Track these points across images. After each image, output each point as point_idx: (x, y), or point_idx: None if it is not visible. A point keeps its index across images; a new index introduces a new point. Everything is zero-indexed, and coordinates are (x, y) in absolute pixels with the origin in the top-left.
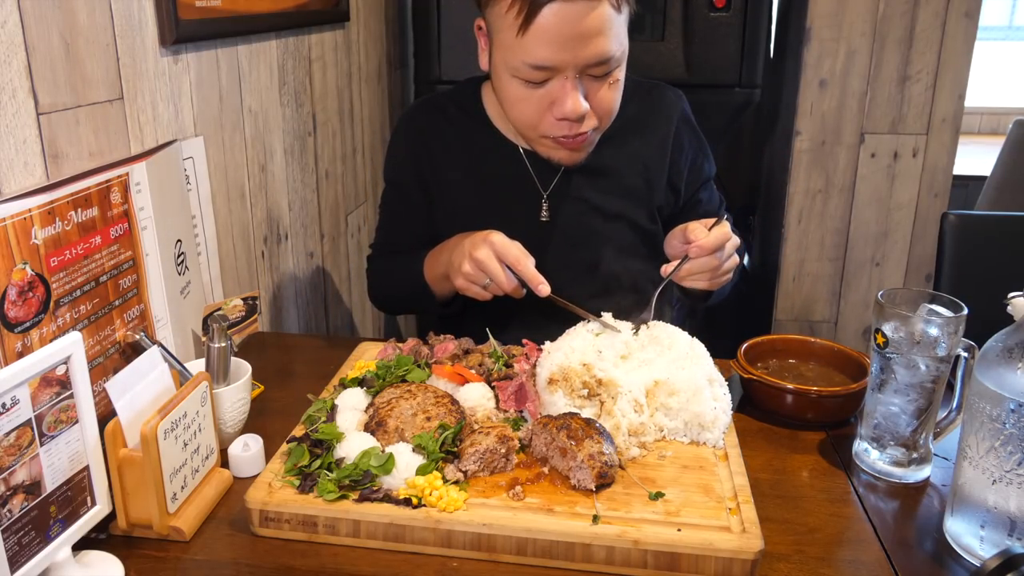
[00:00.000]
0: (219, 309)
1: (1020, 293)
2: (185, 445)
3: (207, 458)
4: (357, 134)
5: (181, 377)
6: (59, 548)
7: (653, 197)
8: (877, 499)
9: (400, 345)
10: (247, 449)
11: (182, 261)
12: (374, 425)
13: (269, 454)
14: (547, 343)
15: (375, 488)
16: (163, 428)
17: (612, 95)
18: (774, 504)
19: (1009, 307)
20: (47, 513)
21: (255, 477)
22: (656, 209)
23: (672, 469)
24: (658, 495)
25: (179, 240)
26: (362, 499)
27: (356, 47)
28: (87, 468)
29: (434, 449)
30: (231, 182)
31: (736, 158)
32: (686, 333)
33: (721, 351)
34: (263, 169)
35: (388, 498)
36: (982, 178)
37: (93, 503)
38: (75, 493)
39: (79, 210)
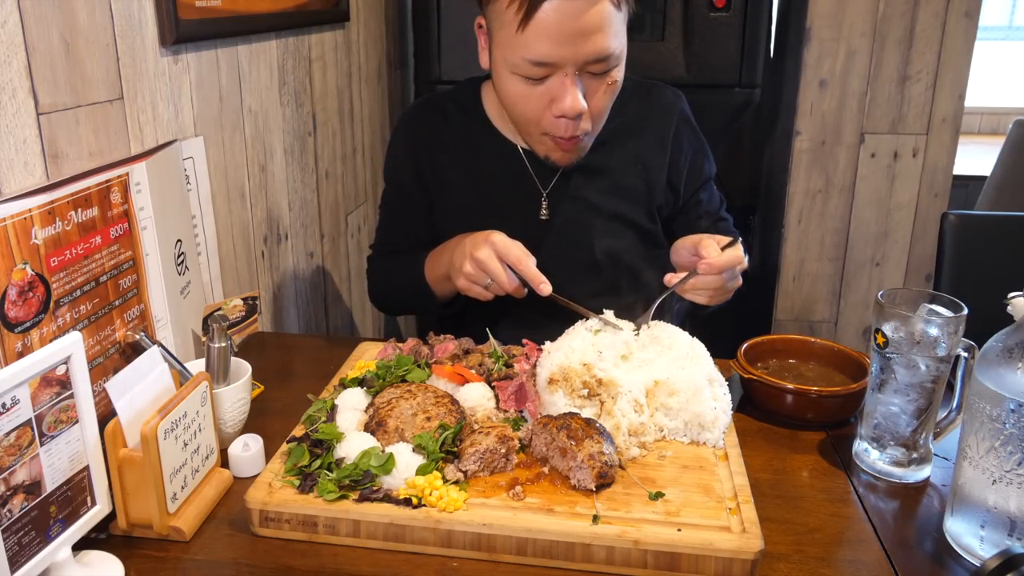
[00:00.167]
0: (219, 309)
1: (1020, 293)
2: (185, 445)
3: (207, 458)
4: (357, 134)
5: (181, 377)
6: (59, 548)
7: (652, 197)
8: (877, 499)
9: (400, 345)
10: (247, 449)
11: (182, 261)
12: (374, 425)
13: (269, 454)
14: (547, 343)
15: (375, 488)
16: (163, 428)
17: (607, 98)
18: (774, 504)
19: (1009, 307)
20: (47, 513)
21: (255, 477)
22: (656, 209)
23: (672, 469)
24: (658, 495)
25: (179, 240)
26: (362, 499)
27: (356, 47)
28: (87, 468)
29: (434, 449)
30: (231, 182)
31: (736, 158)
32: (686, 333)
33: (721, 351)
34: (263, 169)
35: (388, 498)
36: (982, 178)
37: (93, 503)
38: (75, 493)
39: (79, 210)
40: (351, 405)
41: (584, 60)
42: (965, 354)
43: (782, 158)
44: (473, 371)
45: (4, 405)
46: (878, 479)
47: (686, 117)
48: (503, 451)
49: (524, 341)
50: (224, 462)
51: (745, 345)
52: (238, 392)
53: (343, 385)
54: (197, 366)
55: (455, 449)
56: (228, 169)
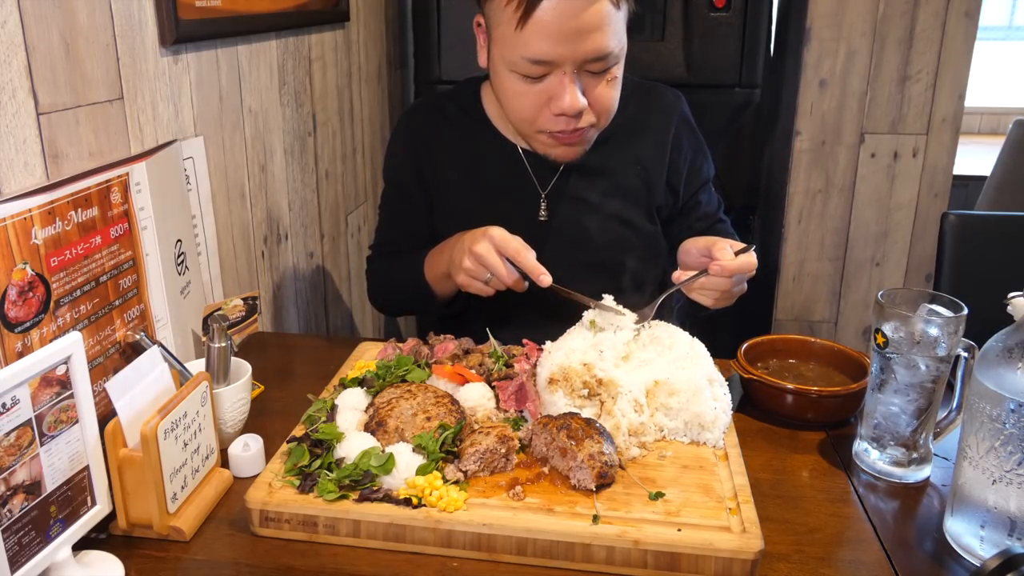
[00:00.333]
0: (219, 309)
1: (1020, 293)
2: (185, 445)
3: (207, 458)
4: (357, 134)
5: (181, 377)
6: (59, 548)
7: (651, 198)
8: (877, 499)
9: (400, 345)
10: (247, 449)
11: (182, 261)
12: (374, 425)
13: (269, 454)
14: (547, 343)
15: (375, 488)
16: (163, 428)
17: (611, 92)
18: (774, 504)
19: (1009, 307)
20: (47, 513)
21: (255, 477)
22: (655, 210)
23: (672, 469)
24: (658, 495)
25: (179, 240)
26: (362, 499)
27: (356, 47)
28: (87, 468)
29: (434, 449)
30: (231, 182)
31: (736, 158)
32: (686, 333)
33: (721, 351)
34: (263, 169)
35: (388, 498)
36: (982, 178)
37: (93, 503)
38: (75, 493)
39: (79, 210)
40: (351, 405)
41: (583, 59)
42: (965, 354)
43: (782, 158)
44: (473, 371)
45: (4, 405)
46: (878, 479)
47: (686, 118)
48: (503, 451)
49: (524, 341)
50: (224, 462)
51: (745, 345)
52: (238, 392)
53: (343, 385)
54: (197, 366)
55: (455, 449)
56: (228, 169)
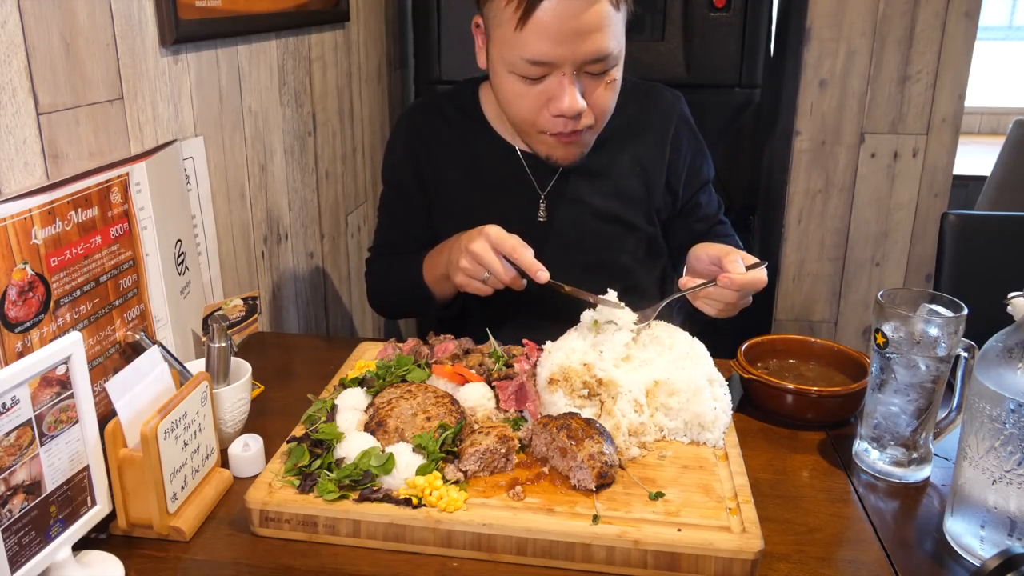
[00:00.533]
0: (219, 309)
1: (1020, 293)
2: (185, 445)
3: (207, 458)
4: (357, 134)
5: (181, 377)
6: (59, 548)
7: (651, 199)
8: (877, 499)
9: (400, 345)
10: (247, 449)
11: (182, 261)
12: (374, 425)
13: (269, 454)
14: (547, 343)
15: (375, 488)
16: (163, 428)
17: (608, 95)
18: (774, 504)
19: (1009, 307)
20: (47, 513)
21: (255, 477)
22: (655, 211)
23: (672, 469)
24: (658, 495)
25: (179, 240)
26: (362, 499)
27: (356, 47)
28: (87, 468)
29: (434, 449)
30: (231, 182)
31: (736, 158)
32: (686, 333)
33: (721, 351)
34: (263, 169)
35: (388, 498)
36: (982, 178)
37: (93, 503)
38: (75, 493)
39: (79, 210)
40: (351, 405)
41: (582, 60)
42: (965, 354)
43: (782, 158)
44: (473, 371)
45: (4, 405)
46: (878, 479)
47: (685, 119)
48: (503, 451)
49: (524, 341)
50: (224, 462)
51: (745, 345)
52: (238, 392)
53: (343, 385)
54: (197, 366)
55: (455, 449)
56: (228, 169)
